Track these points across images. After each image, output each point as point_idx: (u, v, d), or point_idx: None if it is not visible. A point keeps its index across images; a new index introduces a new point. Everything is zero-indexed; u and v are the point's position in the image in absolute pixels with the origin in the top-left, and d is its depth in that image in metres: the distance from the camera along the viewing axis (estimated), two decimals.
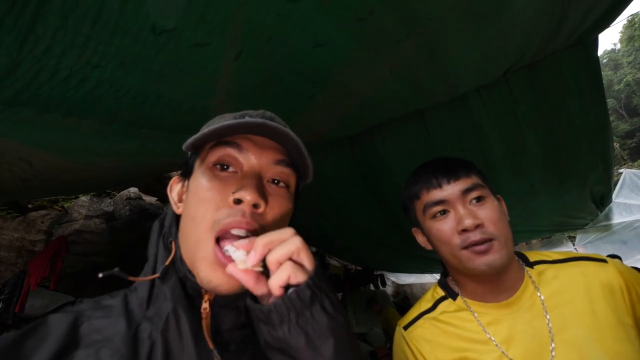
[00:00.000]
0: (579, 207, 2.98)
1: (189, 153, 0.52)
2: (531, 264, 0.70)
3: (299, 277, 0.35)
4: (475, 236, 0.62)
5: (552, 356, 0.57)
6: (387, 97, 1.52)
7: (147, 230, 0.52)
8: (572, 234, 5.77)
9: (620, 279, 0.61)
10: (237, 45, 0.87)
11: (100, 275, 0.40)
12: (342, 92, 1.30)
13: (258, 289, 0.37)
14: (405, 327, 0.74)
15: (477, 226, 0.62)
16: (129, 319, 0.44)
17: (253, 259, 0.36)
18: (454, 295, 0.72)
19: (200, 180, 0.47)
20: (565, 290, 0.63)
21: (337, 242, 4.84)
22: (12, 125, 1.15)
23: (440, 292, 0.75)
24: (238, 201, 0.42)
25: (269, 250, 0.37)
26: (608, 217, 3.74)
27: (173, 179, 0.52)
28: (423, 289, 9.02)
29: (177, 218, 0.51)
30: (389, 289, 7.76)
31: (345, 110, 1.53)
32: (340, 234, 4.20)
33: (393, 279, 8.33)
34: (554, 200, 2.64)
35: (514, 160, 2.18)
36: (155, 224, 0.52)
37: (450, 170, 0.68)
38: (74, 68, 0.77)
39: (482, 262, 0.62)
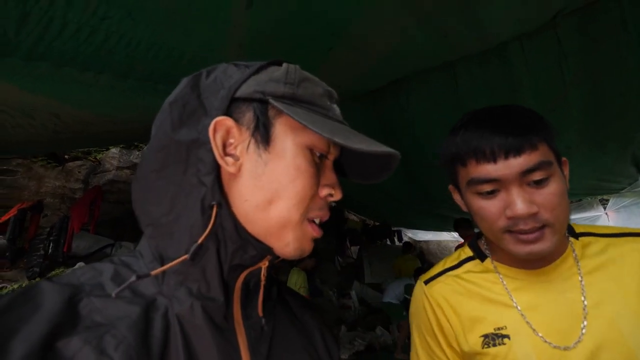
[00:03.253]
0: (616, 171, 2.79)
1: (257, 104, 0.41)
2: (576, 235, 0.63)
3: None
4: (525, 224, 0.53)
5: (583, 332, 0.54)
6: (413, 50, 1.39)
7: None
8: (605, 197, 5.50)
9: None
10: None
11: (114, 295, 0.34)
12: (363, 44, 1.19)
13: None
14: (427, 282, 0.71)
15: (530, 215, 0.53)
16: (137, 297, 0.37)
17: None
18: (482, 257, 0.68)
19: (299, 160, 0.41)
20: (611, 265, 0.58)
21: (356, 198, 4.90)
22: (36, 81, 1.17)
23: (469, 253, 0.71)
24: (329, 195, 0.45)
25: None
26: None
27: (220, 119, 0.39)
28: (439, 245, 9.17)
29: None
30: None
31: (367, 63, 1.42)
32: (359, 190, 4.22)
33: (410, 235, 8.48)
34: (590, 163, 2.47)
35: (550, 120, 2.01)
36: (189, 175, 0.39)
37: (513, 137, 0.53)
38: (82, 20, 0.74)
39: (526, 250, 0.54)
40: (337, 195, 0.45)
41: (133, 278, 0.35)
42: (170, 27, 0.86)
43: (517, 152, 0.53)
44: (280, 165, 0.40)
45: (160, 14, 0.81)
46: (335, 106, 0.46)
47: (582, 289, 0.57)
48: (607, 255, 0.60)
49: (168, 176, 0.39)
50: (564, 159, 0.61)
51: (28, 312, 0.31)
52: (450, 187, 0.69)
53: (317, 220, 0.45)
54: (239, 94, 0.40)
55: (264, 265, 0.43)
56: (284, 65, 0.43)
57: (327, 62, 1.29)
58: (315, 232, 0.44)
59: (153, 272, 0.37)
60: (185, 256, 0.37)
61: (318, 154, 0.43)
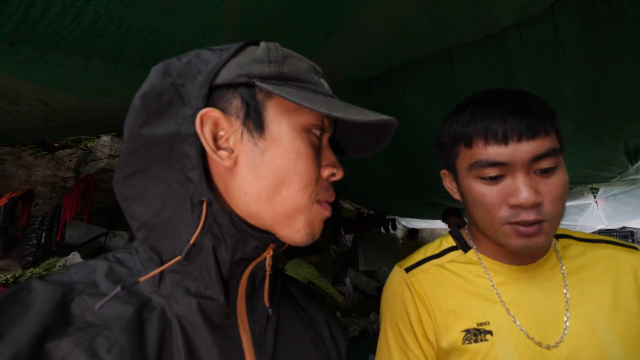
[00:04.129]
0: (608, 160, 2.82)
1: (245, 87, 0.38)
2: (556, 236, 0.63)
3: None
4: (528, 215, 0.50)
5: (565, 332, 0.53)
6: (411, 36, 1.36)
7: None
8: (595, 186, 5.59)
9: None
10: None
11: (97, 306, 0.32)
12: (360, 30, 1.16)
13: None
14: (408, 269, 0.67)
15: (535, 204, 0.50)
16: (131, 296, 0.36)
17: None
18: (465, 248, 0.65)
19: (297, 143, 0.39)
20: (589, 268, 0.58)
21: (350, 186, 4.91)
22: (19, 65, 1.13)
23: (451, 242, 0.67)
24: (332, 175, 0.44)
25: None
26: (639, 170, 3.55)
27: (206, 111, 0.36)
28: (432, 233, 9.30)
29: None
30: (399, 233, 8.05)
31: (365, 50, 1.39)
32: (353, 179, 4.23)
33: (404, 223, 8.58)
34: (583, 152, 2.49)
35: None
36: (169, 174, 0.36)
37: (529, 119, 0.49)
38: (66, 2, 0.71)
39: (523, 243, 0.52)
40: (339, 174, 0.44)
41: (117, 289, 0.33)
42: (161, 11, 0.83)
43: (532, 135, 0.49)
44: (279, 151, 0.38)
45: None
46: (323, 80, 0.43)
47: (565, 289, 0.57)
48: (585, 258, 0.59)
49: (154, 175, 0.37)
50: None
51: (17, 313, 0.30)
52: (443, 171, 0.65)
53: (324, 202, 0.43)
54: (220, 80, 0.37)
55: (269, 254, 0.41)
56: (263, 44, 0.40)
57: (324, 49, 1.26)
58: (326, 212, 0.42)
59: (141, 279, 0.35)
60: (179, 257, 0.36)
61: (317, 133, 0.41)
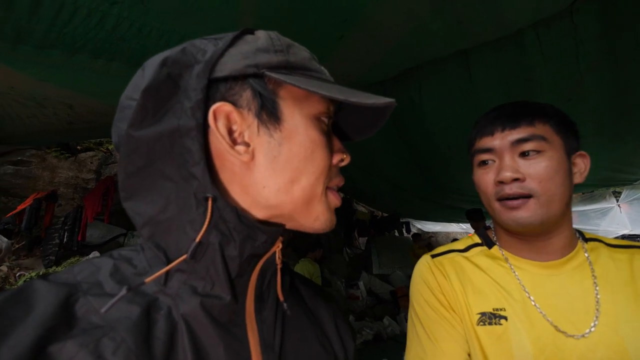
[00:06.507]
0: (631, 162, 2.72)
1: (255, 79, 0.37)
2: (585, 239, 0.66)
3: None
4: (510, 189, 0.58)
5: (592, 328, 0.56)
6: (426, 38, 1.36)
7: None
8: (618, 189, 5.38)
9: None
10: None
11: (103, 310, 0.31)
12: (375, 32, 1.16)
13: None
14: (433, 256, 0.72)
15: (516, 180, 0.58)
16: (137, 296, 0.35)
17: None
18: (490, 244, 0.70)
19: (311, 132, 0.39)
20: (618, 271, 0.61)
21: (364, 189, 4.89)
22: (48, 69, 1.19)
23: (476, 239, 0.73)
24: (341, 161, 0.45)
25: None
26: None
27: (218, 105, 0.35)
28: (448, 237, 9.13)
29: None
30: None
31: (379, 52, 1.39)
32: (368, 181, 4.21)
33: (419, 226, 8.47)
34: (606, 153, 2.41)
35: (565, 110, 1.96)
36: (169, 164, 0.35)
37: (513, 116, 0.61)
38: (92, 5, 0.75)
39: (510, 217, 0.59)
40: (348, 159, 0.44)
41: (123, 291, 0.32)
42: (181, 15, 0.86)
43: (513, 126, 0.60)
44: (295, 141, 0.38)
45: (171, 2, 0.80)
46: (323, 67, 0.43)
47: (596, 288, 0.59)
48: (615, 262, 0.62)
49: (157, 171, 0.36)
50: (581, 152, 0.63)
51: (19, 315, 0.29)
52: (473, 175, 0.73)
53: (335, 188, 0.44)
54: (227, 72, 0.35)
55: (278, 248, 0.41)
56: (262, 32, 0.39)
57: (338, 50, 1.27)
58: (337, 201, 0.43)
59: (147, 280, 0.34)
60: (185, 256, 0.35)
61: (325, 121, 0.41)
